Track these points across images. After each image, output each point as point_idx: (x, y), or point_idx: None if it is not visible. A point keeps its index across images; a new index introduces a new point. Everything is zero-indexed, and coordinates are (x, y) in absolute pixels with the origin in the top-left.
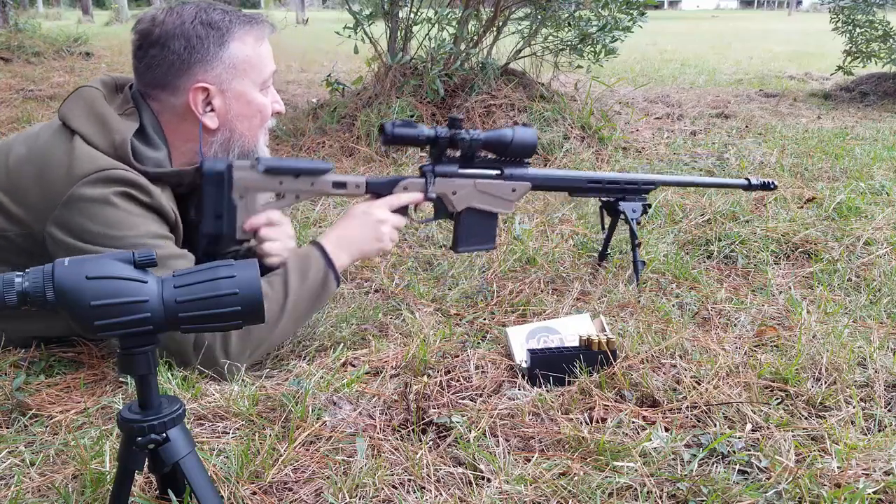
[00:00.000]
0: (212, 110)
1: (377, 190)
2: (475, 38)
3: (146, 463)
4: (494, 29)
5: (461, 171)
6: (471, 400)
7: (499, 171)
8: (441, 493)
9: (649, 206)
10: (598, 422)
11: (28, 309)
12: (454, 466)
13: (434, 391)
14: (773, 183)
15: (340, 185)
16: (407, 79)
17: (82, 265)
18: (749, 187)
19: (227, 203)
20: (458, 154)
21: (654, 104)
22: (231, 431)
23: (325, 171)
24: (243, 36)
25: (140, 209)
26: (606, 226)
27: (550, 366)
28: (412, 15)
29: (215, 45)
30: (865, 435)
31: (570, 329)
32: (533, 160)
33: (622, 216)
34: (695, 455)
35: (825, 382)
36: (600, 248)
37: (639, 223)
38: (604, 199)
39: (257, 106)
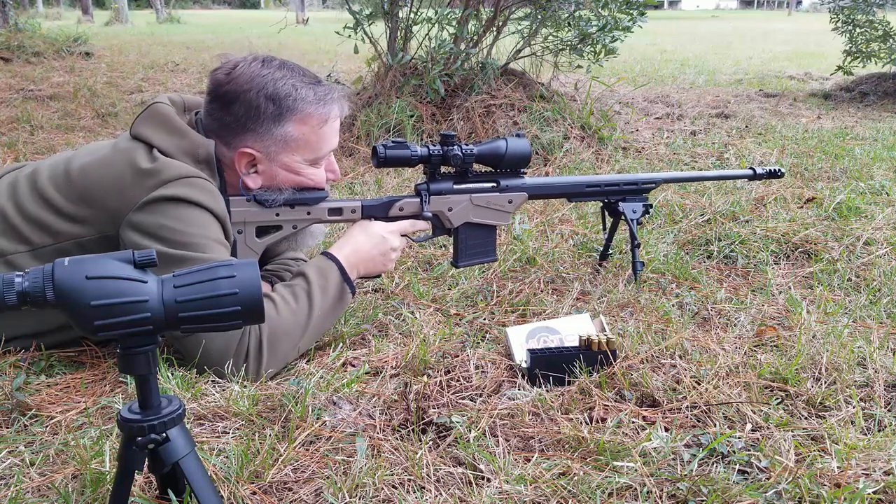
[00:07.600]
0: (256, 172)
1: (372, 213)
2: (475, 38)
3: (146, 463)
4: (494, 29)
5: (456, 186)
6: (471, 400)
7: (494, 184)
8: (441, 493)
9: (650, 206)
10: (598, 422)
11: (28, 308)
12: (454, 466)
13: (434, 391)
14: (779, 170)
15: (336, 211)
16: (407, 79)
17: (82, 265)
18: (754, 177)
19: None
20: (452, 170)
21: (654, 104)
22: (231, 431)
23: (319, 199)
24: (306, 118)
25: (211, 217)
26: (608, 226)
27: (550, 366)
28: (412, 15)
29: (271, 121)
30: (865, 435)
31: (570, 329)
32: (533, 160)
33: (622, 217)
34: (695, 455)
35: (825, 382)
36: (601, 249)
37: (640, 223)
38: (604, 200)
39: (306, 176)
